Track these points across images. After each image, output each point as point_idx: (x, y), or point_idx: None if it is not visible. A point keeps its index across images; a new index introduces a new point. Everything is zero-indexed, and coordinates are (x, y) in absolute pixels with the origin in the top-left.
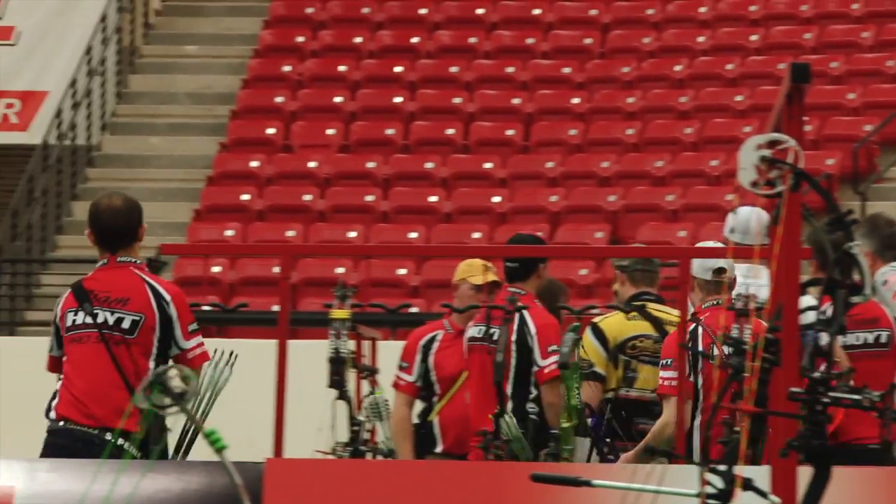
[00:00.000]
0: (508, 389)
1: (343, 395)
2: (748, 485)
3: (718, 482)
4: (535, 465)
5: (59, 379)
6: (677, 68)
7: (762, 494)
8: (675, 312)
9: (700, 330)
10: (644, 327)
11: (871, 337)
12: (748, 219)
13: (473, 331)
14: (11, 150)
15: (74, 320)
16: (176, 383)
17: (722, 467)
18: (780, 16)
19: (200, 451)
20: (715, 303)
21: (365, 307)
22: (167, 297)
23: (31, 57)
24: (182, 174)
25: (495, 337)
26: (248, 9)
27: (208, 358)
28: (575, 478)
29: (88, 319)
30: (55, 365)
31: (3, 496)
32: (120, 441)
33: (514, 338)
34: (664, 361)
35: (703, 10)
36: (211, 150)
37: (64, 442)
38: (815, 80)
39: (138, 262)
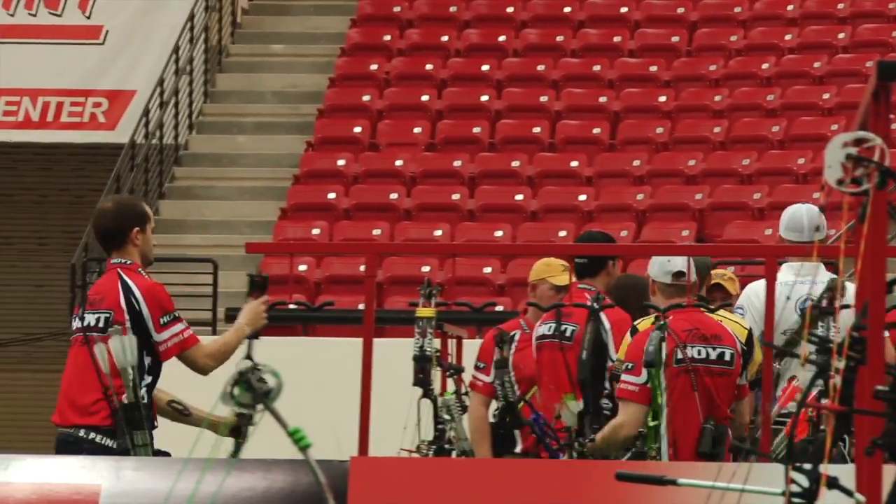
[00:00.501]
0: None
1: (428, 394)
2: (833, 483)
3: (804, 481)
4: (620, 464)
5: None
6: (764, 66)
7: (847, 493)
8: (732, 316)
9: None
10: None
11: None
12: (801, 216)
13: (543, 328)
14: (99, 149)
15: (72, 326)
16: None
17: (807, 466)
18: (867, 13)
19: (285, 449)
20: (680, 305)
21: (450, 306)
22: (137, 293)
23: (119, 56)
24: (268, 173)
25: (567, 334)
26: (336, 7)
27: (188, 346)
28: (660, 477)
29: (78, 323)
30: None
31: (90, 494)
32: (92, 436)
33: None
34: (626, 365)
35: (790, 7)
36: (297, 148)
37: (57, 444)
38: None
39: (129, 262)
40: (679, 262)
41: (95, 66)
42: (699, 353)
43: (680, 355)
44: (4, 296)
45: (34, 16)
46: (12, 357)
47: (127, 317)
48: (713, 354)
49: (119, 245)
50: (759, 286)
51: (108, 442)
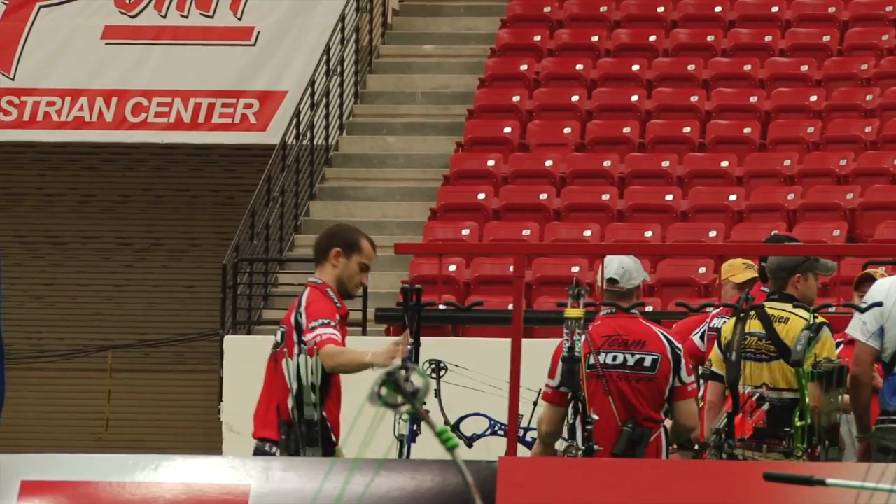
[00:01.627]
0: None
1: (576, 394)
2: None
3: None
4: (767, 465)
5: None
6: None
7: None
8: (801, 312)
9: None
10: (754, 325)
11: None
12: None
13: (717, 321)
14: (250, 149)
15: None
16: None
17: None
18: None
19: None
20: (610, 311)
21: (598, 306)
22: (303, 306)
23: (270, 57)
24: (418, 173)
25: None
26: (486, 8)
27: (321, 346)
28: (809, 477)
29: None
30: None
31: (240, 494)
32: (273, 449)
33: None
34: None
35: None
36: (447, 149)
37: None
38: None
39: (320, 282)
40: (611, 270)
41: (246, 67)
42: (614, 358)
43: (592, 361)
44: (156, 297)
45: (185, 17)
46: (164, 357)
47: (294, 332)
48: (631, 360)
49: (320, 261)
50: (889, 278)
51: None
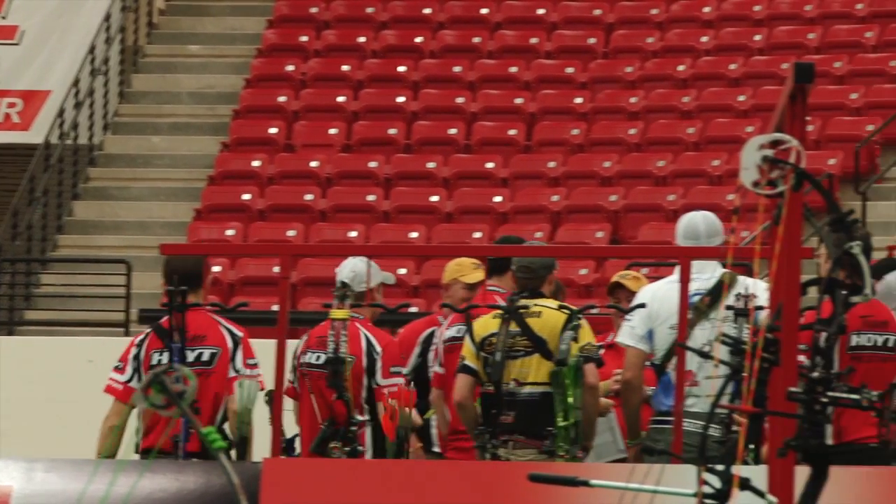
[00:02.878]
0: None
1: (342, 395)
2: (745, 484)
3: (716, 482)
4: (533, 466)
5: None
6: (680, 68)
7: (759, 494)
8: (551, 304)
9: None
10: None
11: (880, 340)
12: (696, 223)
13: (452, 331)
14: (13, 149)
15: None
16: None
17: (720, 467)
18: (783, 16)
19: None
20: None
21: (364, 306)
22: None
23: (34, 56)
24: (184, 174)
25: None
26: (252, 8)
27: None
28: (573, 478)
29: None
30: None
31: (1, 495)
32: None
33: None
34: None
35: (706, 10)
36: (213, 149)
37: None
38: (817, 79)
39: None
40: (343, 273)
41: (11, 66)
42: (317, 358)
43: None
44: None
45: None
46: None
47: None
48: (321, 359)
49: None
50: (656, 284)
51: None
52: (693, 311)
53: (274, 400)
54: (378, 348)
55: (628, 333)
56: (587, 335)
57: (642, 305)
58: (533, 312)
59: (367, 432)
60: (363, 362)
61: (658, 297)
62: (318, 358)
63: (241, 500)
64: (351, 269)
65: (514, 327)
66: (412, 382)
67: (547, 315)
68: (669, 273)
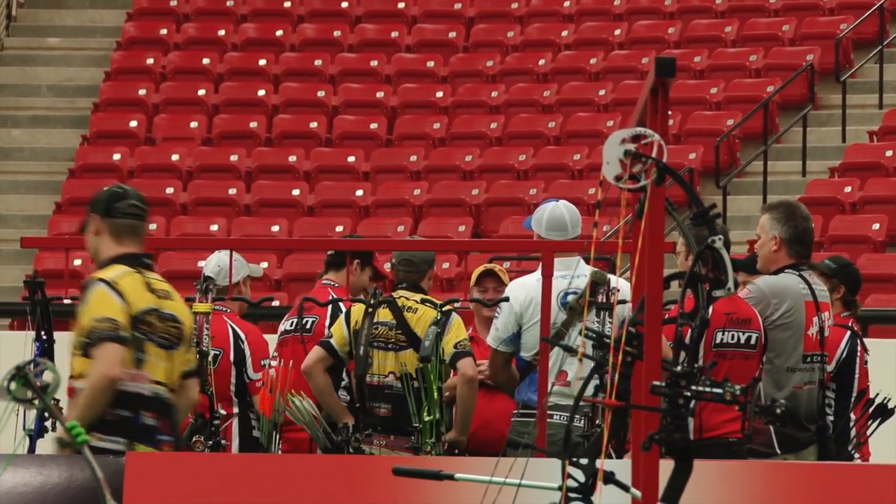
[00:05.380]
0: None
1: (204, 389)
2: (610, 478)
3: (580, 476)
4: (399, 460)
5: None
6: (541, 62)
7: (624, 488)
8: (429, 304)
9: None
10: (385, 315)
11: (743, 337)
12: (562, 214)
13: (286, 324)
14: None
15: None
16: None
17: (584, 461)
18: (643, 10)
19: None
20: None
21: (227, 300)
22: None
23: None
24: (44, 167)
25: (308, 326)
26: (112, 1)
27: None
28: (437, 472)
29: None
30: None
31: None
32: None
33: (328, 323)
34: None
35: (567, 4)
36: (73, 142)
37: None
38: (678, 74)
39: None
40: (208, 268)
41: None
42: None
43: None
44: None
45: None
46: None
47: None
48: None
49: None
50: (523, 279)
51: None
52: (568, 311)
53: None
54: (245, 341)
55: (493, 335)
56: (459, 330)
57: (506, 299)
58: (411, 307)
59: (234, 426)
60: (230, 356)
61: (529, 298)
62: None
63: (105, 494)
64: (216, 263)
65: (389, 318)
66: None
67: (422, 311)
68: (533, 266)
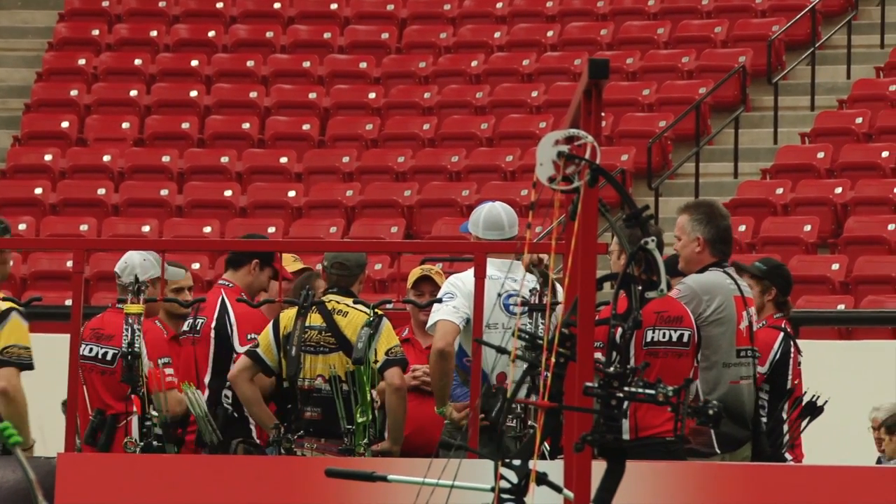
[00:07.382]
0: (207, 378)
1: (136, 390)
2: (542, 479)
3: (513, 477)
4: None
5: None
6: (473, 63)
7: (556, 489)
8: (360, 307)
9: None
10: (315, 319)
11: (675, 335)
12: (499, 214)
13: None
14: None
15: None
16: None
17: (517, 462)
18: (576, 12)
19: None
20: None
21: (159, 301)
22: None
23: None
24: None
25: (198, 327)
26: (44, 2)
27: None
28: (370, 473)
29: None
30: None
31: None
32: None
33: (213, 325)
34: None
35: (499, 5)
36: (4, 143)
37: None
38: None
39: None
40: (117, 265)
41: None
42: (90, 350)
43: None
44: None
45: None
46: None
47: None
48: (100, 352)
49: None
50: (464, 275)
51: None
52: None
53: (68, 394)
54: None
55: (450, 311)
56: (390, 337)
57: (440, 300)
58: (340, 310)
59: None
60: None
61: (471, 293)
62: (91, 350)
63: (38, 495)
64: (124, 260)
65: (319, 322)
66: None
67: (353, 314)
68: (466, 268)
